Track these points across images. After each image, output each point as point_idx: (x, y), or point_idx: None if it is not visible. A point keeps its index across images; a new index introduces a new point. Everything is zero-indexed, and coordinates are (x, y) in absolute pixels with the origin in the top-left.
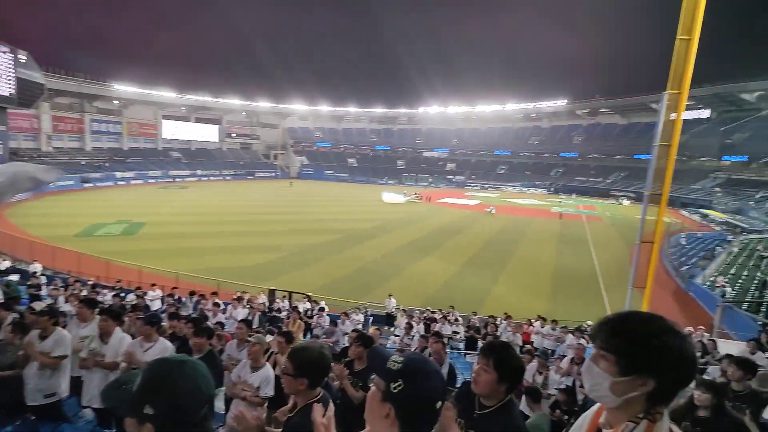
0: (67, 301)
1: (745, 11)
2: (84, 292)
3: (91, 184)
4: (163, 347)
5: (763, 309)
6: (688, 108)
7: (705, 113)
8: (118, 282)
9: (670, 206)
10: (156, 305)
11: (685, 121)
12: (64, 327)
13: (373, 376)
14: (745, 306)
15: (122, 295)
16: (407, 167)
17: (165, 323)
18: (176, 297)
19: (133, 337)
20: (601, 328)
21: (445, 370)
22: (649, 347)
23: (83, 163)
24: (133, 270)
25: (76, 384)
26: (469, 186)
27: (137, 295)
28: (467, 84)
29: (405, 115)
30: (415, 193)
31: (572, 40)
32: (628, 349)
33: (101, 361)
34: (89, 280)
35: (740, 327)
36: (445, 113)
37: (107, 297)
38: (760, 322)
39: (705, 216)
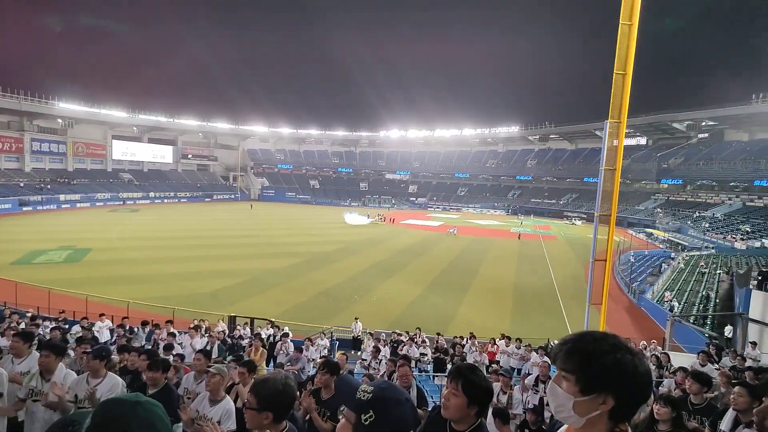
0: (3, 335)
1: (673, 49)
2: (22, 325)
3: (30, 208)
4: (113, 383)
5: (708, 322)
6: (628, 136)
7: (642, 140)
8: (61, 313)
9: (618, 226)
10: (105, 337)
11: (626, 148)
12: None
13: (342, 408)
14: (692, 319)
15: (66, 326)
16: (370, 189)
17: (115, 356)
18: (127, 327)
19: (79, 373)
20: (560, 349)
21: (413, 394)
22: (605, 365)
23: (22, 184)
24: (78, 299)
25: (16, 427)
26: (431, 207)
27: (83, 327)
28: (426, 109)
29: (366, 138)
30: (379, 215)
31: (524, 69)
32: (586, 368)
33: (51, 403)
34: (28, 312)
35: (689, 340)
36: (405, 137)
37: (48, 329)
38: (707, 335)
39: (650, 235)
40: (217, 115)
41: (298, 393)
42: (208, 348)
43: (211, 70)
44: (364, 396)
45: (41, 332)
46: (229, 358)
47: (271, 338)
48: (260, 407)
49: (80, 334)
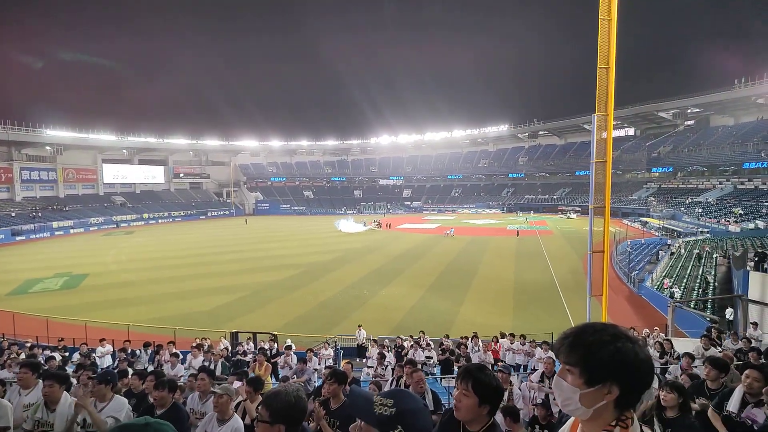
0: (3, 368)
1: (655, 41)
2: (22, 356)
3: (23, 237)
4: (119, 404)
5: (708, 306)
6: (616, 127)
7: (630, 131)
8: (60, 341)
9: (612, 217)
10: (107, 362)
11: (615, 139)
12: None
13: (359, 422)
14: (692, 304)
15: (66, 354)
16: (364, 196)
17: (118, 383)
18: (129, 350)
19: None
20: (562, 343)
21: (428, 399)
22: (607, 355)
23: (13, 214)
24: (77, 326)
25: None
26: (427, 210)
27: (81, 354)
28: (415, 113)
29: (357, 146)
30: (375, 221)
31: (509, 68)
32: (589, 360)
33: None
34: (27, 342)
35: (691, 324)
36: (396, 142)
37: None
38: (708, 319)
39: (645, 223)
40: (207, 133)
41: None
42: (212, 367)
43: (198, 87)
44: (385, 410)
45: (40, 361)
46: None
47: (271, 351)
48: (273, 420)
49: (79, 362)
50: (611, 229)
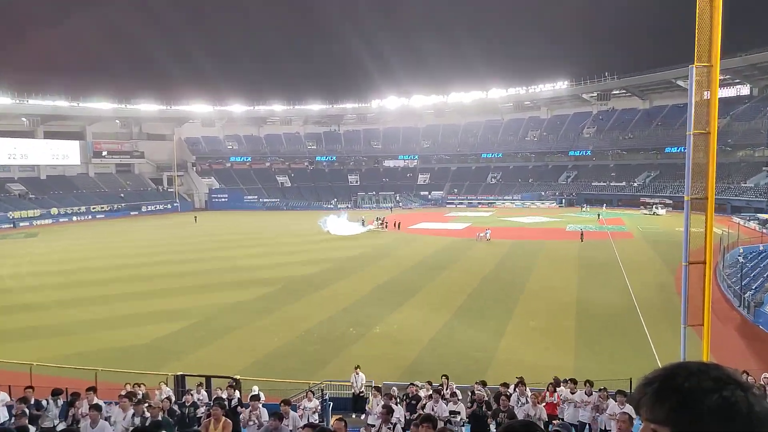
0: None
1: None
2: None
3: None
4: None
5: None
6: (724, 84)
7: (745, 89)
8: None
9: (718, 213)
10: (1, 416)
11: (723, 101)
12: None
13: None
14: None
15: None
16: (363, 184)
17: None
18: (33, 401)
19: None
20: (644, 391)
21: None
22: (709, 408)
23: None
24: None
25: None
26: (452, 204)
27: None
28: (435, 65)
29: (353, 111)
30: (378, 219)
31: (568, 2)
32: (684, 415)
33: None
34: None
35: None
36: (408, 106)
37: None
38: None
39: (764, 223)
40: (141, 93)
41: None
42: (147, 424)
43: (128, 27)
44: None
45: None
46: None
47: (229, 404)
48: None
49: None
50: (716, 231)
